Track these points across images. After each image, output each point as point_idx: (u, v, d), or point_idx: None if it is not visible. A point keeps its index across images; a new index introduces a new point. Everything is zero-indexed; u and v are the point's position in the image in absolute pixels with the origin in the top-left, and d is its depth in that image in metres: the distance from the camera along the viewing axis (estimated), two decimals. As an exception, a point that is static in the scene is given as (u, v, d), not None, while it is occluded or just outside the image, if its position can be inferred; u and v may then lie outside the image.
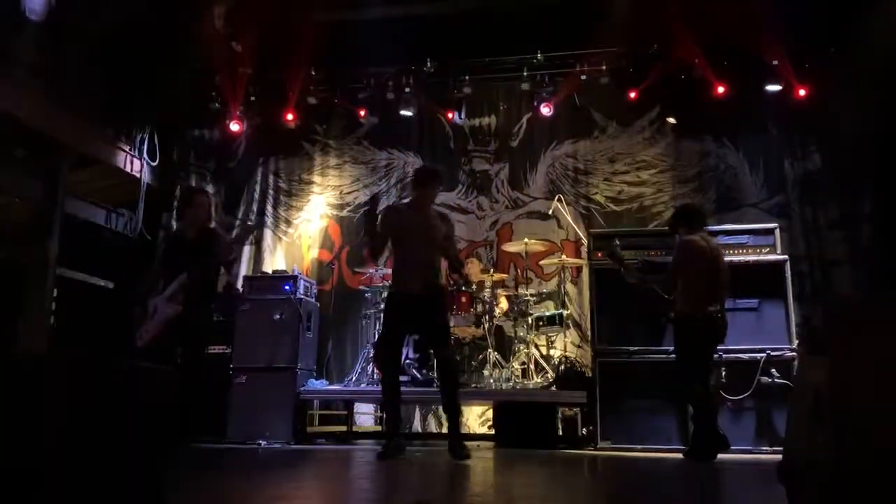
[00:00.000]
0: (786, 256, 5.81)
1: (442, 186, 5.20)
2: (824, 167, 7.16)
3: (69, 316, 7.23)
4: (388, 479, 3.73)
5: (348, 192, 8.32)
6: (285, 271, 7.00)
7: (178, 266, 5.02)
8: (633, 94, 7.55)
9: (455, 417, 4.80)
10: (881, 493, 1.58)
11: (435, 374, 5.93)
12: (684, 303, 4.89)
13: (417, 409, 7.43)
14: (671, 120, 7.64)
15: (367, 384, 6.61)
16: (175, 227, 6.20)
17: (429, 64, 7.94)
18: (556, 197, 7.22)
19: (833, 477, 1.61)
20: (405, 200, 6.06)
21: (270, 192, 8.45)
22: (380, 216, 4.89)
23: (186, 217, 5.28)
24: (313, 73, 8.04)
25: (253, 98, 8.31)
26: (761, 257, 5.76)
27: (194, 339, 5.10)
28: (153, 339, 4.96)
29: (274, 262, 8.11)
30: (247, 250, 8.26)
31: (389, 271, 7.14)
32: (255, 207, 8.41)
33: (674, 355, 5.07)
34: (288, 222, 8.36)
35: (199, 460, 4.71)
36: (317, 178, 8.43)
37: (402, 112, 8.00)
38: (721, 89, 7.26)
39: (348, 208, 8.26)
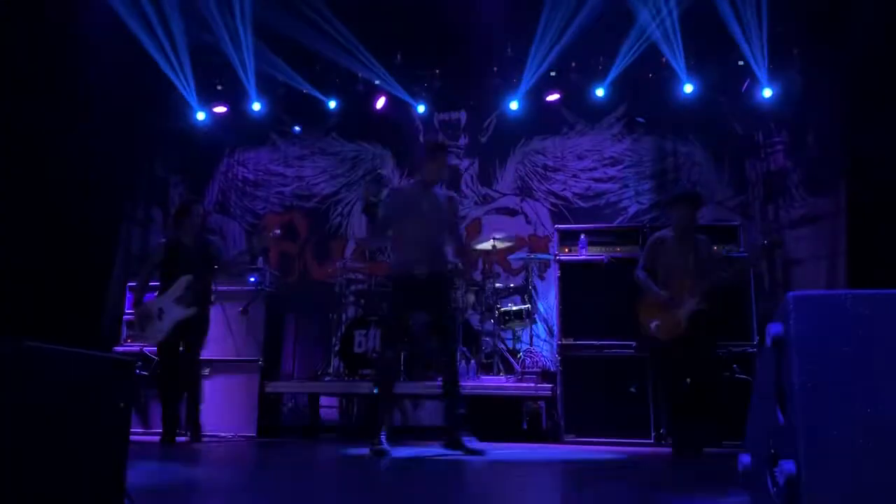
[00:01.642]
0: (748, 254, 5.89)
1: (445, 159, 4.75)
2: (788, 167, 7.28)
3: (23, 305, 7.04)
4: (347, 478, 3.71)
5: (315, 184, 8.24)
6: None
7: (178, 271, 5.35)
8: (601, 92, 7.61)
9: (459, 415, 4.61)
10: (846, 484, 1.61)
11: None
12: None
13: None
14: (640, 119, 7.71)
15: (332, 378, 6.57)
16: (170, 234, 6.36)
17: (399, 57, 7.90)
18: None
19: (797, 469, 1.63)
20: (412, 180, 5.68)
21: (237, 182, 8.33)
22: (382, 203, 4.55)
23: (184, 227, 5.57)
24: (282, 61, 7.94)
25: (220, 87, 8.19)
26: (724, 255, 5.84)
27: (196, 338, 5.48)
28: (164, 339, 5.28)
29: (240, 253, 8.00)
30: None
31: (356, 265, 7.16)
32: (220, 197, 8.29)
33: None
34: (254, 213, 8.26)
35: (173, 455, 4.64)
36: (283, 169, 8.34)
37: (372, 104, 7.96)
38: (688, 87, 7.36)
39: (315, 200, 8.19)
